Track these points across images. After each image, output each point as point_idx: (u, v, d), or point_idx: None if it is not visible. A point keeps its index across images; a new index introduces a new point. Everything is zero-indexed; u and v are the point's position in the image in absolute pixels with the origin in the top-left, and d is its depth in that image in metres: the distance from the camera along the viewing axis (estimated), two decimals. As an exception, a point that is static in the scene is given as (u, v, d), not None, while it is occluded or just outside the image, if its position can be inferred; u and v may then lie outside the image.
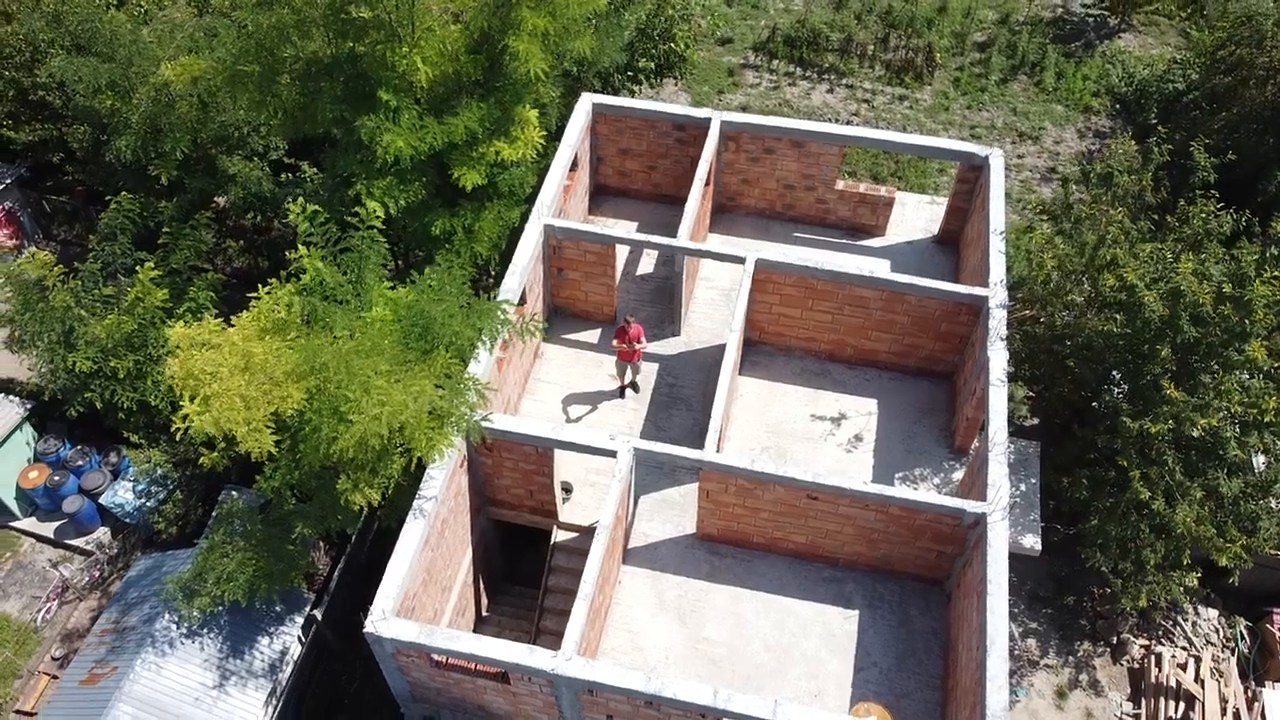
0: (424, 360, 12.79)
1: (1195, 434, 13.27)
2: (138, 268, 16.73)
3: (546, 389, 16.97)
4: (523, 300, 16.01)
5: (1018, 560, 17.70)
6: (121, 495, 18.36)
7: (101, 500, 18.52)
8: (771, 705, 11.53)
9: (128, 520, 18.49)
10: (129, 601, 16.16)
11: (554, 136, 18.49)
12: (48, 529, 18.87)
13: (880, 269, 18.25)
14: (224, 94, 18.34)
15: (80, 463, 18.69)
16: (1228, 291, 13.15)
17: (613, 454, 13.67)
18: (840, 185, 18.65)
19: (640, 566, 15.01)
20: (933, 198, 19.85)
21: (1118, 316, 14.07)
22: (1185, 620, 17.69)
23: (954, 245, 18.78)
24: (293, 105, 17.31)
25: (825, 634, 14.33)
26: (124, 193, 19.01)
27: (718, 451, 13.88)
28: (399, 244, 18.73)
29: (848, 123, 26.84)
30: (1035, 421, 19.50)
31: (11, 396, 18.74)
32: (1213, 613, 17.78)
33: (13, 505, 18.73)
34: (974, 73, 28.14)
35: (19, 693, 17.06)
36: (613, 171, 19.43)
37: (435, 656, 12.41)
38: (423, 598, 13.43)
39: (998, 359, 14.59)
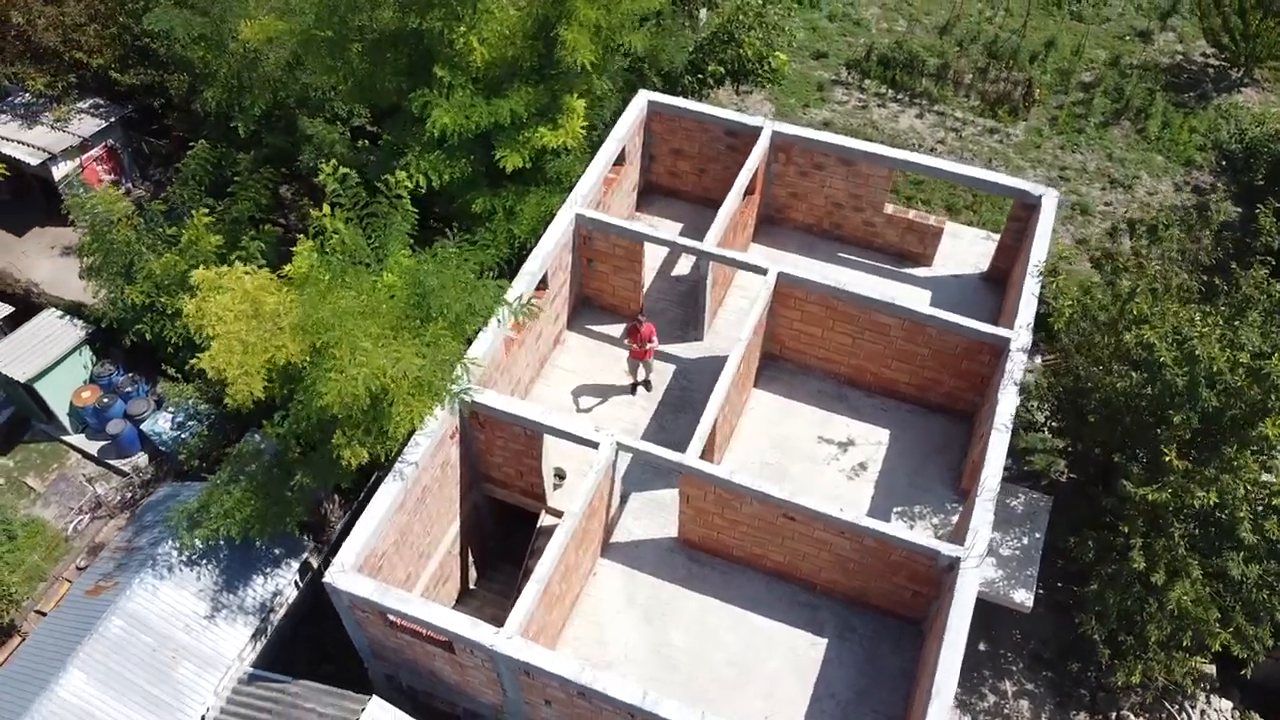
0: (418, 328, 13.12)
1: (1196, 506, 12.51)
2: (193, 212, 17.63)
3: (562, 376, 17.14)
4: (544, 285, 16.21)
5: (1023, 618, 17.06)
6: (161, 424, 19.35)
7: (143, 427, 19.57)
8: (698, 716, 11.43)
9: (163, 449, 19.49)
10: (144, 524, 17.04)
11: (609, 129, 18.67)
12: (93, 447, 20.05)
13: (918, 300, 17.82)
14: (293, 56, 19.16)
15: (129, 389, 19.79)
16: (1243, 361, 12.35)
17: (595, 445, 13.74)
18: (889, 209, 18.26)
19: (618, 562, 15.05)
20: (989, 234, 19.25)
21: (1134, 375, 13.38)
22: (1194, 708, 16.70)
23: (1002, 284, 18.17)
24: (361, 73, 17.97)
25: (790, 657, 14.09)
26: (203, 141, 20.06)
27: (701, 458, 13.78)
28: (446, 218, 19.23)
29: (931, 150, 26.21)
30: (1073, 476, 18.72)
31: (76, 320, 19.95)
32: (1227, 704, 16.72)
33: (64, 420, 19.97)
34: (1074, 113, 27.07)
35: (41, 595, 18.18)
36: (664, 171, 19.47)
37: (389, 616, 12.72)
38: (394, 559, 13.77)
39: (1006, 403, 14.09)
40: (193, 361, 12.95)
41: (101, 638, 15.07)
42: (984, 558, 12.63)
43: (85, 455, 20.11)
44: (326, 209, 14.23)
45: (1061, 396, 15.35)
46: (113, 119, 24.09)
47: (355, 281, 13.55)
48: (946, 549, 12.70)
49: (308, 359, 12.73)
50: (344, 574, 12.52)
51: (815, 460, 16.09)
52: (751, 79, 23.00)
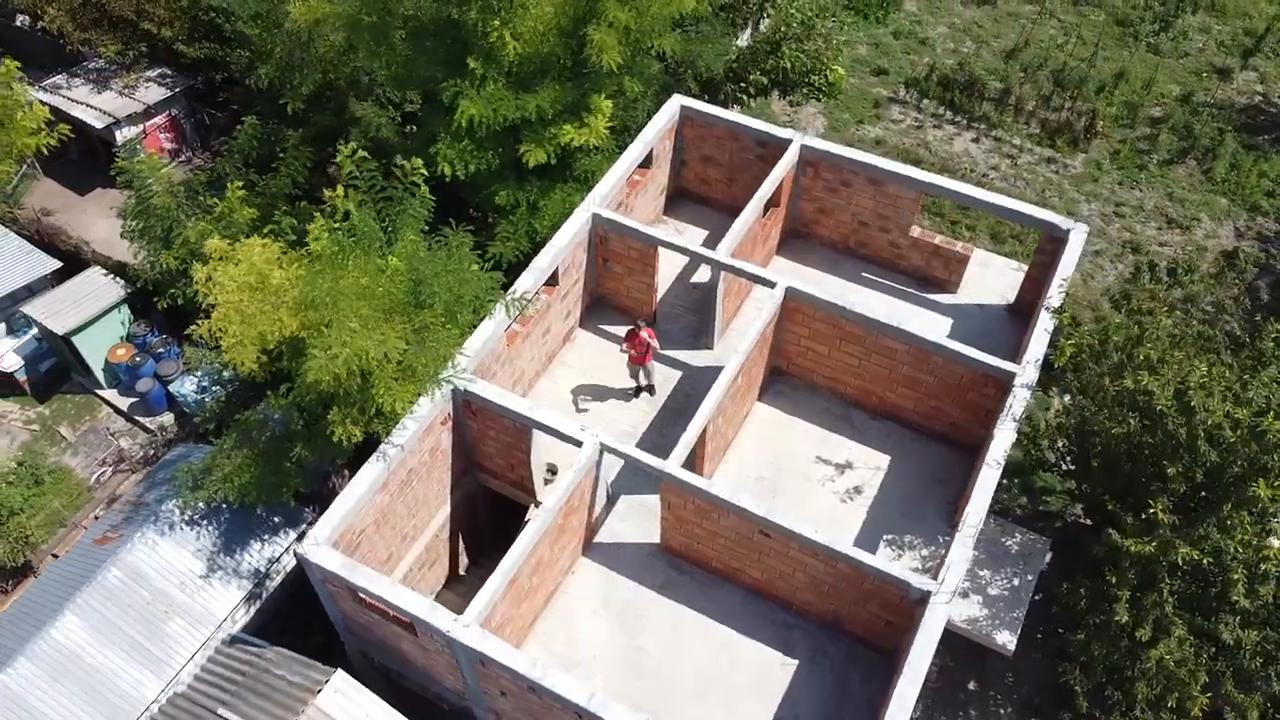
0: (411, 314, 13.32)
1: (1180, 562, 12.00)
2: (228, 185, 18.14)
3: (568, 373, 17.22)
4: (553, 281, 16.31)
5: (1017, 662, 16.66)
6: (187, 387, 20.00)
7: (170, 388, 20.25)
8: (643, 723, 11.42)
9: (188, 410, 20.12)
10: (155, 481, 17.62)
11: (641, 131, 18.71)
12: (124, 403, 20.81)
13: (937, 327, 17.49)
14: (345, 39, 19.57)
15: (161, 350, 20.48)
16: (1240, 417, 11.80)
17: (579, 444, 13.79)
18: (915, 232, 17.93)
19: (599, 562, 15.06)
20: (1019, 264, 18.77)
21: (1131, 421, 12.91)
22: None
23: (1028, 316, 17.68)
24: (402, 60, 18.33)
25: (757, 675, 13.94)
26: (251, 116, 20.62)
27: (686, 468, 13.71)
28: (474, 209, 19.49)
29: (984, 175, 25.66)
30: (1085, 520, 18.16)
31: (119, 280, 20.71)
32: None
33: (99, 374, 20.76)
34: (1137, 148, 26.22)
35: (59, 540, 18.93)
36: (694, 177, 19.42)
37: (357, 593, 12.94)
38: (373, 538, 14.00)
39: (1001, 439, 13.74)
40: (192, 328, 13.36)
41: (99, 586, 15.64)
42: (956, 593, 12.33)
43: (116, 410, 20.88)
44: (340, 190, 14.56)
45: (1070, 437, 14.88)
46: (177, 89, 24.98)
47: (358, 263, 13.82)
48: (918, 581, 12.43)
49: (305, 334, 13.02)
50: (317, 547, 12.77)
51: (810, 479, 15.89)
52: (800, 90, 22.83)
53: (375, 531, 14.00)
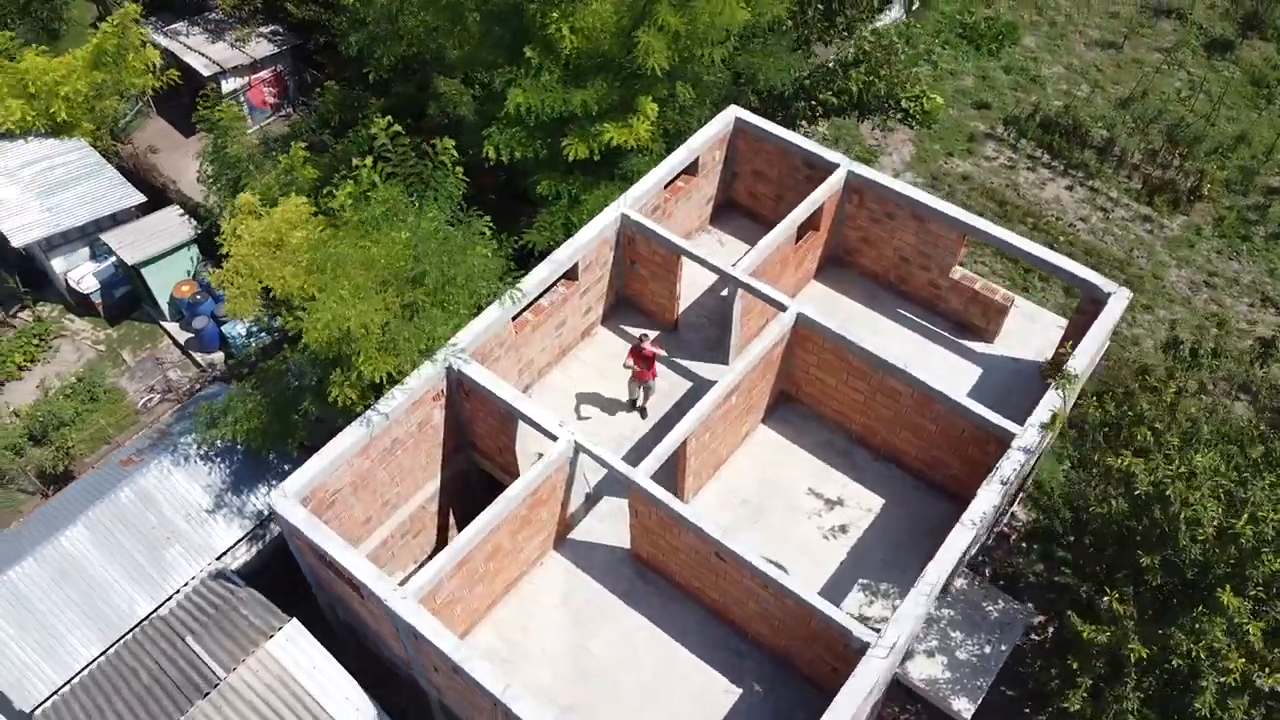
0: (404, 288, 13.65)
1: (1131, 657, 11.25)
2: (290, 144, 18.92)
3: (582, 369, 17.33)
4: (572, 275, 16.42)
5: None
6: (238, 329, 20.98)
7: (224, 328, 21.29)
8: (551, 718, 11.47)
9: (234, 351, 21.13)
10: (185, 414, 18.59)
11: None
12: (182, 337, 22.00)
13: (965, 376, 16.89)
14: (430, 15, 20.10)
15: (220, 291, 21.50)
16: (1212, 514, 10.92)
17: (554, 438, 13.89)
18: (956, 274, 17.31)
19: (568, 558, 15.15)
20: (1066, 321, 17.88)
21: (1114, 501, 12.17)
22: None
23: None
24: (473, 41, 18.77)
25: (700, 697, 13.79)
26: (332, 81, 21.47)
27: (654, 479, 13.64)
28: (523, 195, 19.76)
29: (1070, 225, 24.53)
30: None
31: (192, 220, 21.86)
32: None
33: (164, 307, 21.99)
34: (1245, 217, 24.59)
35: (99, 456, 20.17)
36: (745, 191, 19.22)
37: (314, 549, 13.38)
38: (350, 499, 14.44)
39: (983, 500, 13.19)
40: (205, 274, 14.02)
41: (112, 503, 16.62)
42: (895, 649, 11.92)
43: (174, 342, 22.10)
44: (369, 160, 15.01)
45: (1069, 508, 14.15)
46: (284, 47, 26.16)
47: (370, 233, 14.24)
48: (859, 631, 12.07)
49: (301, 294, 13.52)
50: (284, 499, 13.27)
51: (797, 510, 15.58)
52: (880, 115, 22.26)
53: (353, 493, 14.43)
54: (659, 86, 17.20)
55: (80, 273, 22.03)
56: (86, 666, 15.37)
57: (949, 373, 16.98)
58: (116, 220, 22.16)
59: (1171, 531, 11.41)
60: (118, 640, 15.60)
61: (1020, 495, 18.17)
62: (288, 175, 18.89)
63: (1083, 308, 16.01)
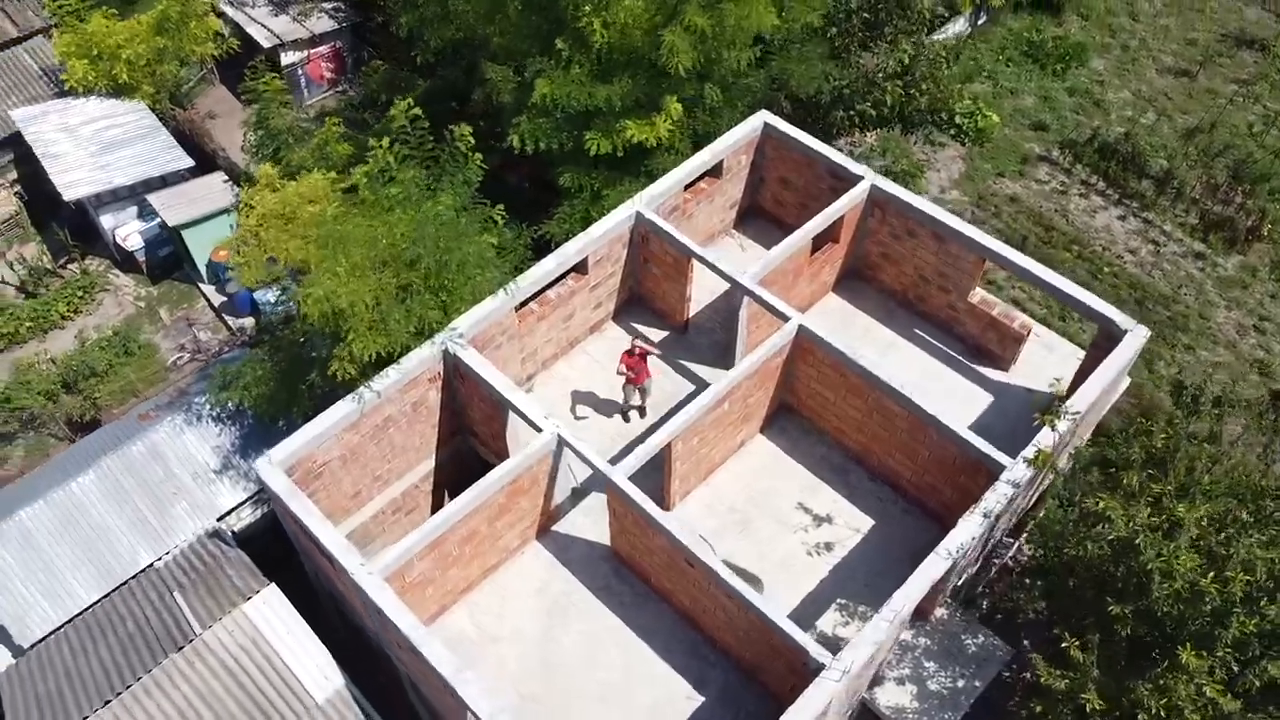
0: (401, 269, 13.84)
1: (1086, 709, 10.88)
2: (325, 119, 19.29)
3: (587, 362, 17.36)
4: (581, 270, 16.46)
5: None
6: (269, 296, 21.49)
7: (256, 294, 21.82)
8: (497, 708, 11.54)
9: (265, 317, 21.66)
10: (205, 375, 19.12)
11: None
12: (217, 300, 22.62)
13: (973, 404, 16.52)
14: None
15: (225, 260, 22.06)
16: (1180, 569, 10.46)
17: (539, 429, 13.96)
18: (974, 298, 16.91)
19: (549, 549, 15.22)
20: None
21: (1089, 545, 11.76)
22: None
23: (1076, 413, 16.37)
24: (512, 29, 18.93)
25: (661, 700, 13.75)
26: (377, 60, 21.82)
27: (632, 480, 13.61)
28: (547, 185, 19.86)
29: (1118, 256, 23.77)
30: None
31: (234, 186, 22.45)
32: None
33: (202, 269, 22.64)
34: (1305, 261, 23.57)
35: (125, 409, 20.87)
36: (771, 197, 19.03)
37: (293, 517, 13.66)
38: (339, 472, 14.70)
39: (960, 532, 12.90)
40: (215, 243, 14.40)
41: (123, 455, 17.20)
42: (850, 674, 11.73)
43: (210, 305, 22.75)
44: (385, 141, 15.24)
45: (1050, 547, 13.76)
46: (344, 24, 26.66)
47: (380, 213, 14.47)
48: (815, 651, 11.91)
49: (301, 267, 13.81)
50: (269, 467, 13.57)
51: (784, 524, 15.41)
52: (923, 129, 21.86)
53: (342, 466, 14.69)
54: (686, 86, 17.13)
55: (127, 230, 22.79)
56: (84, 610, 15.95)
57: (959, 398, 16.65)
58: (165, 182, 22.86)
59: (1145, 582, 11.00)
60: (117, 588, 16.14)
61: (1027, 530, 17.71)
62: (321, 150, 19.30)
63: (1098, 343, 15.52)
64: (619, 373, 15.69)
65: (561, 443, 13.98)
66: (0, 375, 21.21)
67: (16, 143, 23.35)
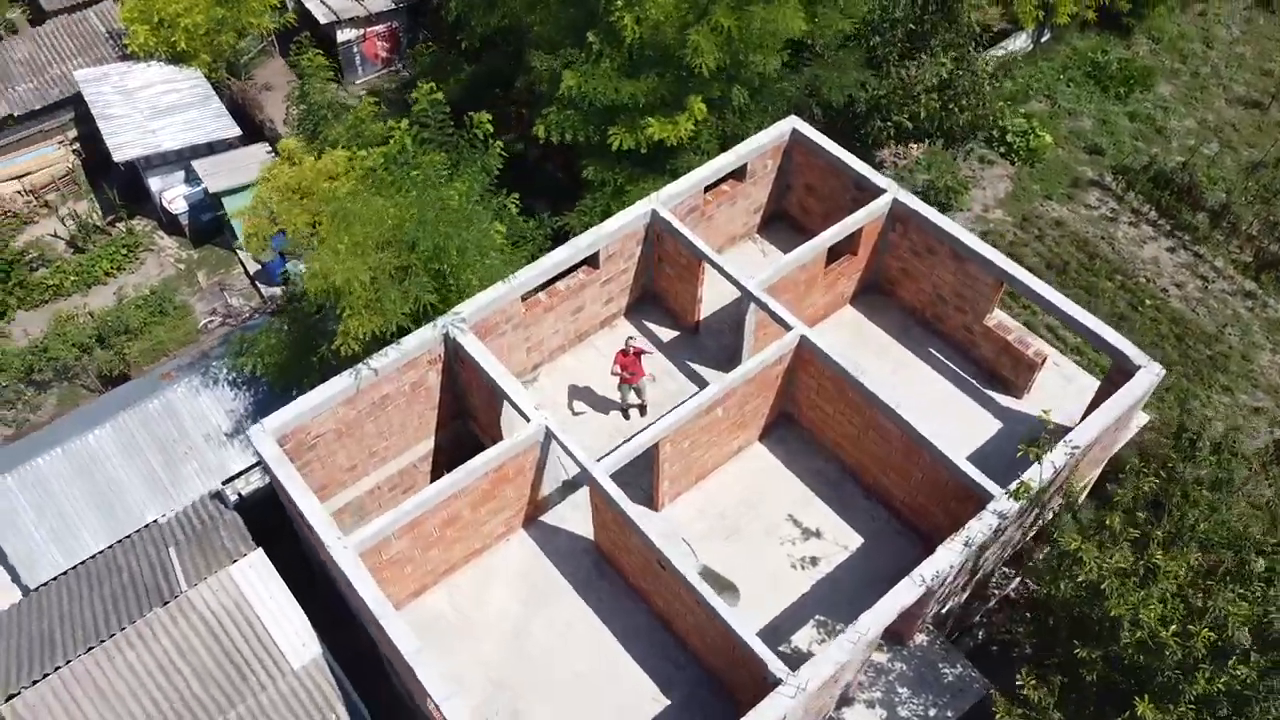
0: (402, 250, 13.99)
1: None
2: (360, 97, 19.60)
3: (595, 356, 17.38)
4: (593, 263, 16.47)
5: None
6: (300, 267, 21.86)
7: (289, 264, 22.26)
8: (446, 693, 11.66)
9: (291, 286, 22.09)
10: (227, 340, 19.58)
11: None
12: (252, 268, 23.14)
13: (980, 429, 16.17)
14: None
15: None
16: (1145, 619, 10.05)
17: (527, 419, 14.03)
18: (990, 321, 16.54)
19: (534, 538, 15.31)
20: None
21: (1061, 585, 11.41)
22: None
23: (1086, 448, 15.91)
24: (552, 20, 19.01)
25: (626, 699, 13.75)
26: (424, 44, 22.07)
27: (612, 479, 13.59)
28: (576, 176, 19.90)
29: (1161, 291, 23.02)
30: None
31: (276, 155, 22.90)
32: None
33: (240, 235, 23.15)
34: (1362, 309, 22.55)
35: (156, 367, 21.48)
36: (797, 204, 18.82)
37: (278, 484, 13.94)
38: (333, 444, 14.96)
39: (936, 560, 12.64)
40: (231, 212, 14.73)
41: (140, 411, 17.72)
42: (806, 692, 11.59)
43: (245, 271, 23.28)
44: (405, 122, 15.44)
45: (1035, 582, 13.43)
46: (402, 4, 26.99)
47: (391, 194, 14.65)
48: (775, 665, 11.79)
49: (305, 241, 14.06)
50: (262, 433, 13.86)
51: (771, 535, 15.27)
52: (965, 145, 21.44)
53: (336, 439, 14.94)
54: (714, 87, 17.02)
55: (173, 194, 23.43)
56: (90, 558, 16.47)
57: (967, 423, 16.33)
58: (212, 149, 23.43)
59: (1115, 628, 10.66)
60: (121, 540, 16.65)
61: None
62: (356, 129, 19.62)
63: (1111, 377, 15.07)
64: (613, 373, 15.71)
65: (549, 435, 14.03)
66: (42, 326, 21.97)
67: (78, 102, 24.12)
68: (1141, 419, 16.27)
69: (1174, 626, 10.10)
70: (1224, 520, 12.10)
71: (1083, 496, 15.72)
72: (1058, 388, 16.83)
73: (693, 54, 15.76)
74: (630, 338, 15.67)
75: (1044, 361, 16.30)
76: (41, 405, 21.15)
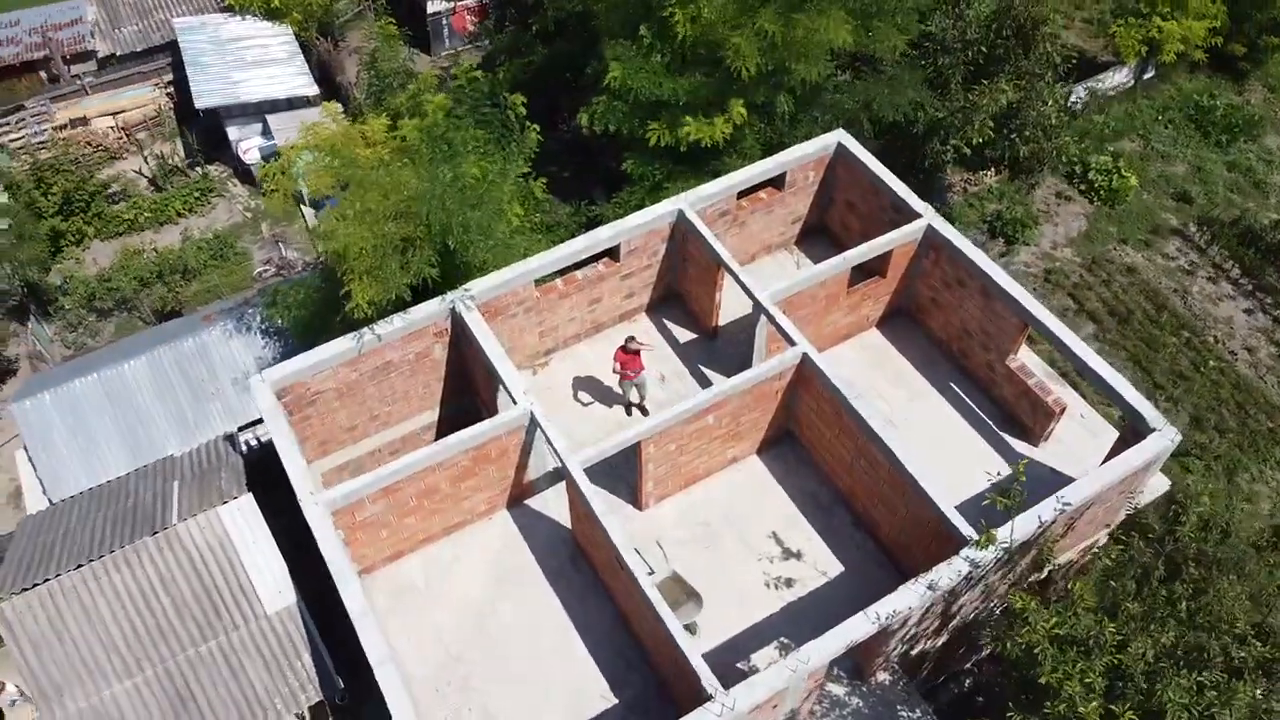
0: (412, 222, 14.22)
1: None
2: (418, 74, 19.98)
3: (609, 349, 17.20)
4: (614, 255, 16.45)
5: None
6: (354, 229, 22.52)
7: (344, 225, 22.91)
8: (382, 657, 11.88)
9: (345, 249, 22.71)
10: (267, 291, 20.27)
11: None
12: (312, 223, 23.85)
13: (983, 474, 15.60)
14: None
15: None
16: (1068, 686, 9.47)
17: (514, 402, 14.13)
18: (1013, 363, 15.91)
19: (515, 521, 15.43)
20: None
21: (1007, 643, 10.89)
22: None
23: (1098, 506, 15.20)
24: (613, 10, 19.06)
25: (575, 692, 13.77)
26: (490, 23, 22.35)
27: (586, 475, 13.57)
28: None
29: (1230, 354, 21.77)
30: None
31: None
32: None
33: (305, 197, 23.89)
34: None
35: (208, 308, 22.37)
36: (837, 219, 18.43)
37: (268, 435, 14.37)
38: (333, 403, 15.35)
39: (896, 599, 12.26)
40: (262, 169, 15.20)
41: (174, 348, 18.53)
42: (734, 712, 11.39)
43: (306, 226, 24.02)
44: (441, 97, 15.68)
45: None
46: (491, -19, 27.38)
47: (420, 163, 14.91)
48: (708, 681, 11.64)
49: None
50: (260, 384, 14.32)
51: (750, 550, 15.05)
52: (1032, 176, 20.66)
53: (337, 398, 15.32)
54: (758, 92, 16.77)
55: (248, 144, 24.33)
56: (108, 481, 17.32)
57: (976, 463, 15.81)
58: (290, 105, 24.23)
59: (1051, 694, 10.17)
60: (139, 468, 17.45)
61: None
62: (415, 99, 20.01)
63: (1125, 437, 14.34)
64: (614, 371, 15.69)
65: (534, 421, 14.10)
66: (111, 257, 23.12)
67: (176, 48, 25.24)
68: (1158, 483, 15.44)
69: (1127, 706, 9.53)
70: (1206, 604, 11.39)
71: (1089, 556, 15.06)
72: (1078, 440, 16.11)
73: (733, 56, 15.55)
74: (630, 336, 15.62)
75: (1063, 411, 15.61)
76: (100, 331, 22.28)
